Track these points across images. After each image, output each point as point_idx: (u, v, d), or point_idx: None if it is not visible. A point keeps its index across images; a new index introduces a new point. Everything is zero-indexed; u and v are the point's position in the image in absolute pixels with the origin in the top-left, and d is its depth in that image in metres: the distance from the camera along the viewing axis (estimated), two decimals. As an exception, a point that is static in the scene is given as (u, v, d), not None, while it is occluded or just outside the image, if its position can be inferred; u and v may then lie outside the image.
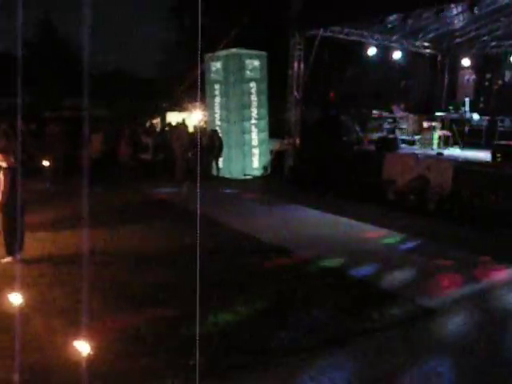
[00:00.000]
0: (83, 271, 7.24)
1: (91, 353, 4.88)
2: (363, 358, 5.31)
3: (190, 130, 19.78)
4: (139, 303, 6.58)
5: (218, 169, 18.52)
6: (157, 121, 26.89)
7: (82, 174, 15.60)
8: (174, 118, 22.70)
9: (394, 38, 18.38)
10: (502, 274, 8.30)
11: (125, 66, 37.37)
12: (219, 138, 18.33)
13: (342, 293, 7.22)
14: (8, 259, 8.05)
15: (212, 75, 19.04)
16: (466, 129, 17.17)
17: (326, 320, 6.23)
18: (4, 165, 7.99)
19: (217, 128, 18.85)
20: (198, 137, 18.16)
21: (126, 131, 18.61)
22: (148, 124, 23.34)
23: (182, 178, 17.00)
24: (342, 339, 5.71)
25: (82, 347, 4.84)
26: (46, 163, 16.30)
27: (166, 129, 20.81)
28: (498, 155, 12.96)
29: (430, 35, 18.46)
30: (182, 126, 19.47)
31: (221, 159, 18.80)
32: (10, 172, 7.96)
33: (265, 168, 18.93)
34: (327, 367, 5.07)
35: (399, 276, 8.02)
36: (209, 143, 18.16)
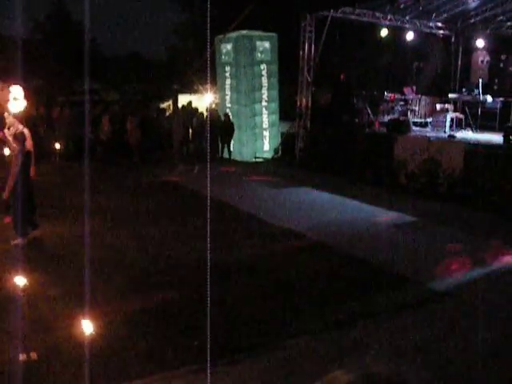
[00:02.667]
0: (90, 253, 7.29)
1: (96, 334, 4.90)
2: (369, 341, 5.29)
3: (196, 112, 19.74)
4: (146, 285, 6.61)
5: (229, 152, 18.45)
6: (168, 103, 26.83)
7: (92, 157, 15.77)
8: (184, 100, 22.63)
9: (407, 18, 18.12)
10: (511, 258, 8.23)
11: (136, 49, 37.25)
12: (222, 120, 18.36)
13: (350, 275, 7.20)
14: (17, 241, 8.10)
15: (223, 57, 18.92)
16: (480, 111, 16.94)
17: (333, 303, 6.22)
18: (16, 149, 8.03)
19: (227, 110, 18.79)
20: (208, 119, 18.13)
21: (136, 114, 18.63)
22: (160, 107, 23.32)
23: (180, 162, 17.08)
24: (348, 322, 5.70)
25: (87, 328, 4.86)
26: (56, 146, 16.37)
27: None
28: (510, 138, 12.80)
29: (444, 15, 18.17)
30: (184, 109, 19.52)
31: (232, 142, 18.79)
32: (20, 156, 8.00)
33: (275, 150, 18.86)
34: (333, 350, 5.06)
35: (409, 259, 7.97)
36: (217, 126, 18.18)
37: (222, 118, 18.35)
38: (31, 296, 5.83)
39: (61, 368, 4.61)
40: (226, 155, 18.41)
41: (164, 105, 25.71)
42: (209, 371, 4.18)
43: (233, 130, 18.12)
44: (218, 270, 6.69)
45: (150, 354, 4.87)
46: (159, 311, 5.81)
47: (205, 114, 19.58)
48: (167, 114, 21.29)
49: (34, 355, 4.75)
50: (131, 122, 17.54)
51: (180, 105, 20.89)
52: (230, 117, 18.20)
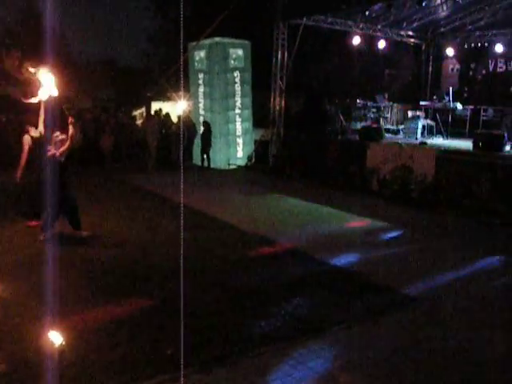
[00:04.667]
0: (60, 259, 7.18)
1: (67, 344, 4.83)
2: (342, 347, 5.30)
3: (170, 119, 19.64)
4: (118, 293, 6.52)
5: (204, 160, 18.23)
6: (141, 111, 26.67)
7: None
8: (157, 107, 22.52)
9: (379, 27, 18.33)
10: (482, 262, 8.34)
11: (109, 56, 36.96)
12: (194, 128, 18.23)
13: (323, 282, 7.21)
14: (42, 236, 8.63)
15: (196, 64, 18.89)
16: (450, 118, 17.21)
17: (306, 309, 6.22)
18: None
19: (201, 118, 18.73)
20: (182, 126, 18.05)
21: (110, 121, 18.49)
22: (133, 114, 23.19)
23: (153, 169, 16.97)
24: (321, 328, 5.70)
25: (58, 338, 4.79)
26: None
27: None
28: (480, 144, 13.02)
29: (414, 24, 18.42)
30: (156, 116, 19.42)
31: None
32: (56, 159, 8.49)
33: (249, 157, 18.86)
34: (306, 356, 5.05)
35: (380, 265, 8.02)
36: (192, 132, 18.10)
37: (202, 126, 18.20)
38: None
39: (31, 380, 4.51)
40: (200, 163, 18.28)
41: (137, 112, 25.55)
42: (182, 380, 4.14)
43: (211, 138, 17.98)
44: (190, 278, 6.65)
45: (122, 363, 4.80)
46: (133, 319, 5.74)
47: (175, 121, 19.46)
48: (140, 121, 21.17)
49: (2, 367, 4.66)
50: (105, 129, 17.37)
51: (153, 112, 20.79)
52: (210, 125, 18.03)
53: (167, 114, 19.46)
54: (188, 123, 18.47)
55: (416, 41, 20.11)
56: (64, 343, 4.83)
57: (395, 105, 19.01)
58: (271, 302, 6.40)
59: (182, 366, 4.06)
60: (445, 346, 5.37)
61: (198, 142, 18.36)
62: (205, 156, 18.10)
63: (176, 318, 5.06)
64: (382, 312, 6.24)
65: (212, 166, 18.24)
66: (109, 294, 6.48)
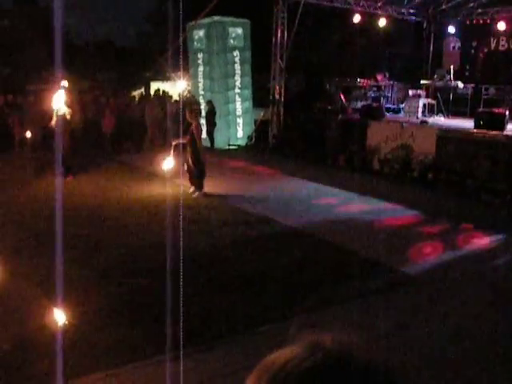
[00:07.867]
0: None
1: (69, 324, 4.84)
2: (341, 325, 5.31)
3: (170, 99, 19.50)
4: (119, 274, 6.53)
5: (211, 140, 18.01)
6: (140, 91, 26.53)
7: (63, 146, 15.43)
8: (156, 87, 22.39)
9: (379, 4, 18.14)
10: (483, 241, 8.34)
11: (107, 36, 36.72)
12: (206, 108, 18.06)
13: (323, 261, 7.22)
14: (197, 194, 10.77)
15: (195, 44, 18.73)
16: (451, 97, 17.11)
17: (306, 288, 6.23)
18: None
19: (201, 98, 18.62)
20: (181, 106, 17.90)
21: (110, 102, 18.39)
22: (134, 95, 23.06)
23: (148, 150, 16.82)
24: (320, 307, 5.71)
25: (60, 319, 4.79)
26: (28, 134, 16.06)
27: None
28: (481, 123, 12.94)
29: (416, 1, 18.24)
30: (155, 97, 19.26)
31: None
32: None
33: (249, 137, 18.78)
34: (306, 335, 5.06)
35: (381, 244, 8.02)
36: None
37: (206, 105, 17.99)
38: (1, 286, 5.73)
39: (34, 359, 4.54)
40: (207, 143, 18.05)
41: (136, 93, 25.43)
42: (182, 359, 4.16)
43: (214, 118, 17.76)
44: (189, 259, 6.65)
45: (123, 343, 4.82)
46: (132, 299, 5.76)
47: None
48: (138, 101, 21.04)
49: (6, 347, 4.68)
50: (106, 111, 17.25)
51: (152, 92, 20.66)
52: (213, 105, 17.79)
53: (169, 96, 19.30)
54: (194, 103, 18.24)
55: (417, 18, 19.90)
56: (66, 323, 4.84)
57: (396, 83, 18.88)
58: (272, 280, 6.41)
59: (181, 345, 4.07)
60: (444, 324, 5.39)
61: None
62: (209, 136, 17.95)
63: (176, 297, 5.08)
64: (381, 290, 6.25)
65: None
66: (111, 275, 6.49)
